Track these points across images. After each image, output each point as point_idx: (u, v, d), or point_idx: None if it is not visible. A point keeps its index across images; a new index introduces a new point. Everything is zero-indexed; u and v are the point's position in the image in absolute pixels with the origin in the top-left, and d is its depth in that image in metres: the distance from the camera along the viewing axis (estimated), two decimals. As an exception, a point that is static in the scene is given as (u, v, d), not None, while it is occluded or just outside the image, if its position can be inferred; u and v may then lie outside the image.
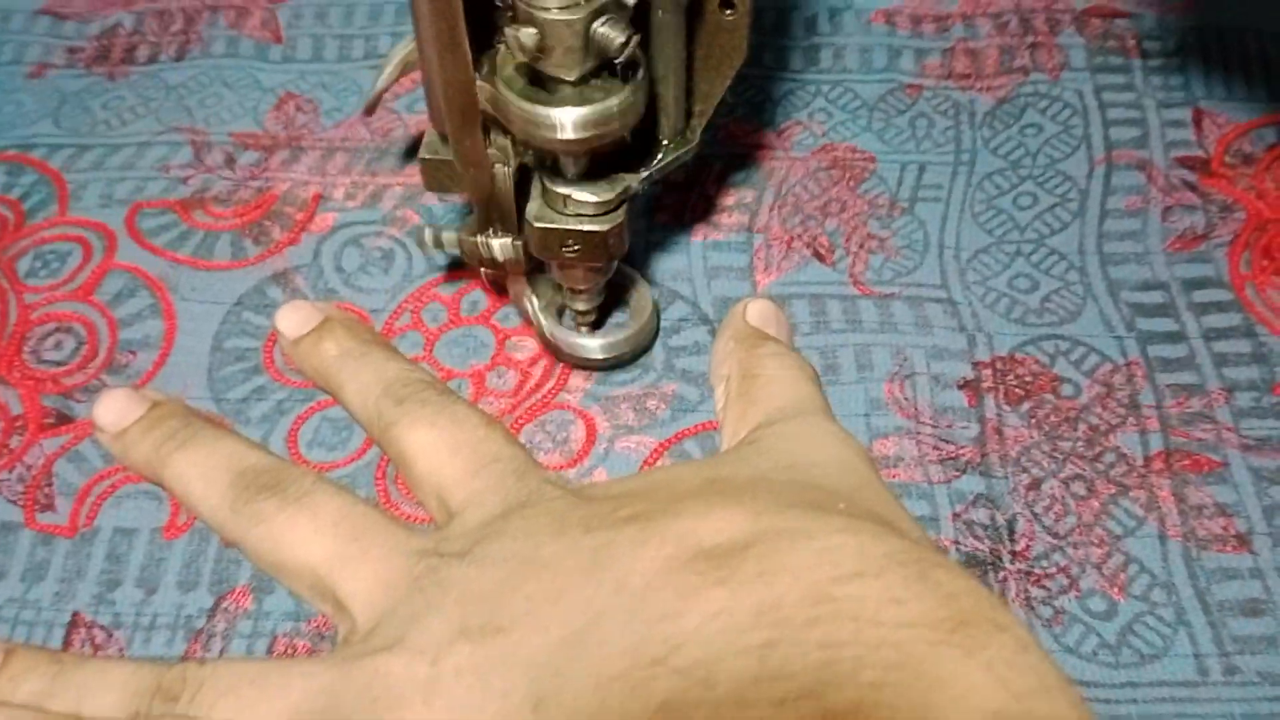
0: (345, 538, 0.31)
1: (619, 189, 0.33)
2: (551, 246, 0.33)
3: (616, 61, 0.29)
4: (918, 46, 0.46)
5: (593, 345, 0.37)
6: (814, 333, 0.38)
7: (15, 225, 0.41)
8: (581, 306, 0.36)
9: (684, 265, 0.40)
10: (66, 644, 0.32)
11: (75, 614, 0.33)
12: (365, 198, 0.41)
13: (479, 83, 0.31)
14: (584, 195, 0.32)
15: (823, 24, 0.47)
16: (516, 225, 0.34)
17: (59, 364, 0.37)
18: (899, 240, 0.41)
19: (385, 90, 0.35)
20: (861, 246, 0.40)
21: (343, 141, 0.43)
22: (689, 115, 0.35)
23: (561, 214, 0.33)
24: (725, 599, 0.24)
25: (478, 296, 0.39)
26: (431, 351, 0.38)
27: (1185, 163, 0.42)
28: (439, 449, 0.33)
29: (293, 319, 0.36)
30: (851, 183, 0.42)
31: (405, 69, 0.35)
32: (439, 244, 0.35)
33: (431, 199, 0.41)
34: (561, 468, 0.35)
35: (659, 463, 0.36)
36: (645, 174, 0.34)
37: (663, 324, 0.39)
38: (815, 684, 0.23)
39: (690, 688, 0.23)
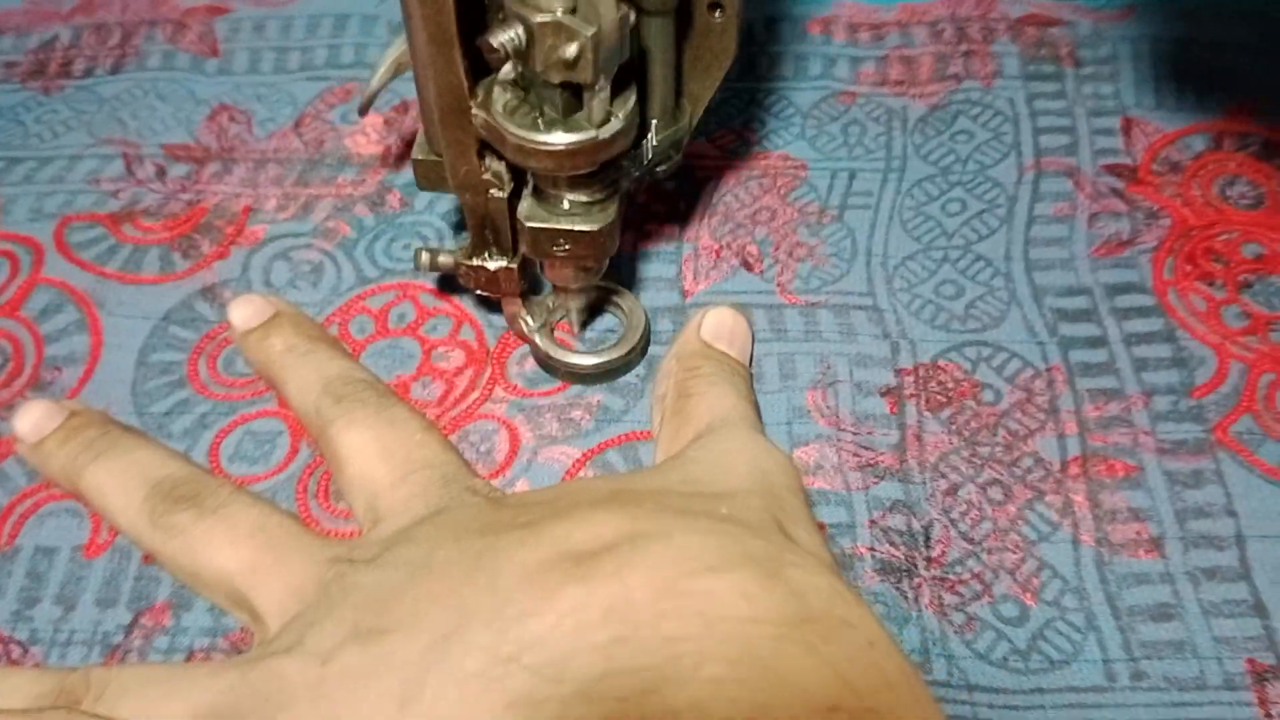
0: (261, 547, 0.31)
1: (610, 188, 0.33)
2: (543, 246, 0.33)
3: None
4: (853, 54, 0.47)
5: (585, 360, 0.37)
6: (739, 341, 0.38)
7: (-54, 240, 0.41)
8: (574, 304, 0.37)
9: (612, 275, 0.40)
10: (-16, 659, 0.32)
11: (-7, 630, 0.33)
12: (296, 209, 0.42)
13: (474, 111, 0.31)
14: (575, 194, 0.33)
15: (759, 32, 0.47)
16: (512, 248, 0.34)
17: (-15, 380, 0.38)
18: (827, 248, 0.41)
19: (379, 90, 0.35)
20: (790, 255, 0.41)
21: (275, 152, 0.43)
22: (678, 117, 0.35)
23: (553, 213, 0.33)
24: (580, 596, 0.25)
25: (405, 309, 0.39)
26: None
27: (1113, 170, 0.42)
28: (371, 452, 0.33)
29: (244, 312, 0.37)
30: (782, 190, 0.42)
31: (398, 70, 0.35)
32: (435, 266, 0.36)
33: (364, 210, 0.42)
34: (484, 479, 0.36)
35: (581, 473, 0.36)
36: (636, 173, 0.34)
37: (589, 335, 0.39)
38: (659, 680, 0.23)
39: (539, 685, 0.23)
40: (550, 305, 0.38)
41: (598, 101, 0.30)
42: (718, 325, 0.37)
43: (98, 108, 0.45)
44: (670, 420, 0.34)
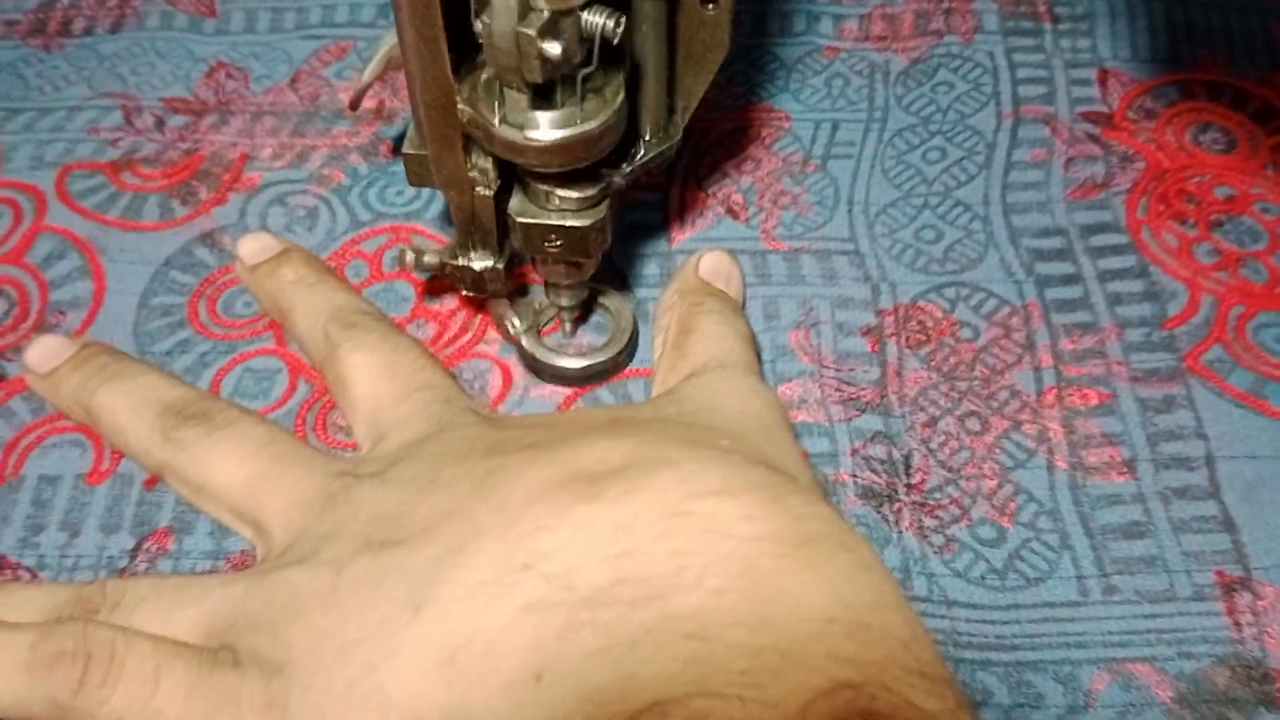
0: (267, 460, 0.32)
1: (601, 184, 0.33)
2: (534, 242, 0.33)
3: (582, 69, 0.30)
4: (836, 12, 0.48)
5: (573, 364, 0.37)
6: (725, 284, 0.39)
7: (-52, 190, 0.42)
8: (565, 302, 0.37)
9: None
10: (-8, 586, 0.33)
11: (1, 557, 0.34)
12: (292, 158, 0.43)
13: (460, 106, 0.31)
14: (566, 191, 0.32)
15: (744, -9, 0.48)
16: (498, 247, 0.35)
17: (-10, 324, 0.38)
18: (810, 196, 0.42)
19: (370, 85, 0.36)
20: (774, 203, 0.42)
21: (271, 106, 0.44)
22: (670, 111, 0.35)
23: (544, 209, 0.33)
24: (590, 514, 0.26)
25: (399, 251, 0.40)
26: (353, 305, 0.39)
27: (1089, 117, 0.43)
28: (377, 373, 0.34)
29: (253, 246, 0.38)
30: (767, 141, 0.44)
31: (390, 64, 0.35)
32: (420, 265, 0.36)
33: (358, 158, 0.43)
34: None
35: (573, 407, 0.37)
36: (628, 169, 0.34)
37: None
38: (665, 589, 0.24)
39: (552, 591, 0.25)
40: (538, 307, 0.38)
41: (509, 99, 0.30)
42: (715, 266, 0.38)
43: (97, 64, 0.45)
44: (670, 353, 0.35)
